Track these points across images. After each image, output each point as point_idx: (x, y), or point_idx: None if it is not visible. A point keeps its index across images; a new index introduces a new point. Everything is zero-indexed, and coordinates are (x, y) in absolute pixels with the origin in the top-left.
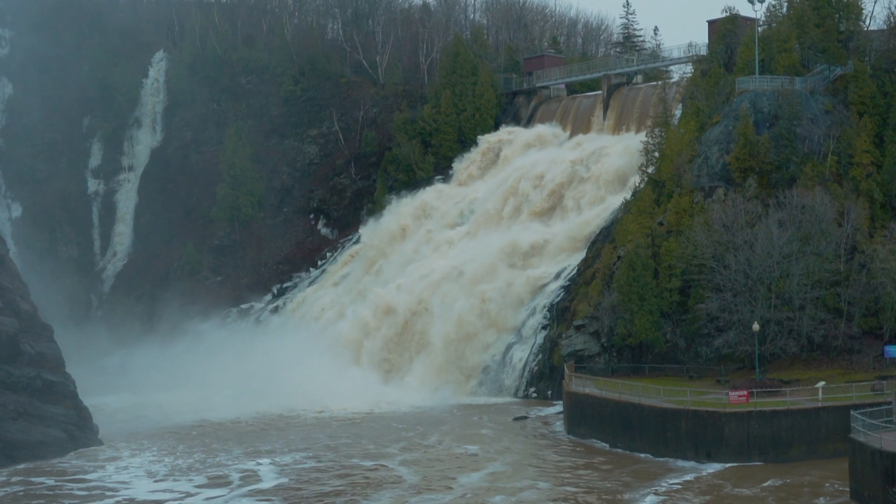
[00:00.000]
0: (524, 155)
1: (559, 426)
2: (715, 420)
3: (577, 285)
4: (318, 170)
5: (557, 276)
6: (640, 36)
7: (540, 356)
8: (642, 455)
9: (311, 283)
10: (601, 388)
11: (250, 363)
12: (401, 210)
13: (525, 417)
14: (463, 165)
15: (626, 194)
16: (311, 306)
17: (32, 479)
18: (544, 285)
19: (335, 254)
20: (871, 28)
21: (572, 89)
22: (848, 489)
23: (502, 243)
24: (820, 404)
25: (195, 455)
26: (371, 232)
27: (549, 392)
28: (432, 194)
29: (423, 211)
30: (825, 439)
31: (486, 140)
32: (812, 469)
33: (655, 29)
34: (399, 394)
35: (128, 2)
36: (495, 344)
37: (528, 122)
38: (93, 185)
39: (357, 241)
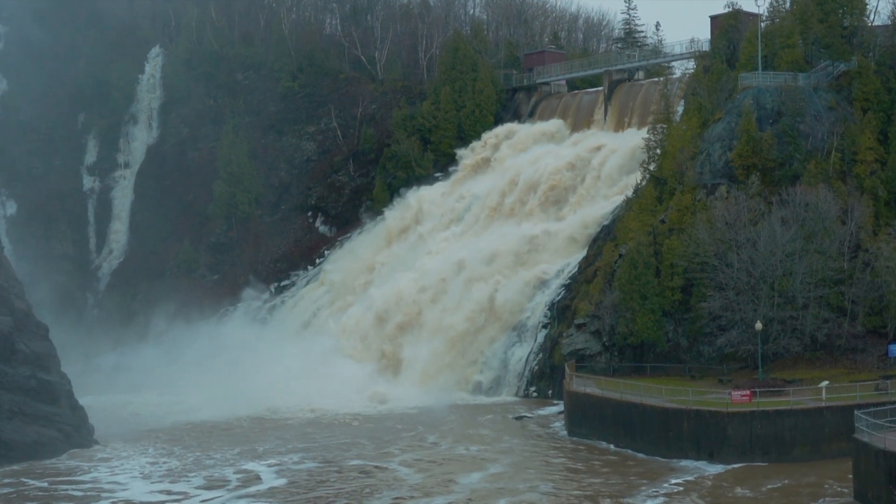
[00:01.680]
0: (524, 152)
1: (560, 426)
2: (717, 420)
3: (578, 283)
4: (316, 167)
5: (558, 274)
6: (642, 31)
7: (540, 355)
8: (644, 455)
9: (308, 282)
10: (602, 388)
11: (248, 362)
12: (399, 208)
13: (526, 417)
14: (462, 162)
15: (628, 192)
16: (308, 304)
17: (26, 481)
18: (545, 283)
19: (333, 251)
20: (876, 23)
21: (573, 85)
22: (851, 490)
23: (502, 241)
24: (823, 404)
25: (192, 456)
26: (369, 230)
27: (550, 391)
28: (431, 191)
29: (421, 208)
30: (829, 439)
31: (485, 137)
32: (815, 469)
33: (657, 24)
34: (397, 393)
35: None
36: (495, 343)
37: (529, 119)
38: (88, 182)
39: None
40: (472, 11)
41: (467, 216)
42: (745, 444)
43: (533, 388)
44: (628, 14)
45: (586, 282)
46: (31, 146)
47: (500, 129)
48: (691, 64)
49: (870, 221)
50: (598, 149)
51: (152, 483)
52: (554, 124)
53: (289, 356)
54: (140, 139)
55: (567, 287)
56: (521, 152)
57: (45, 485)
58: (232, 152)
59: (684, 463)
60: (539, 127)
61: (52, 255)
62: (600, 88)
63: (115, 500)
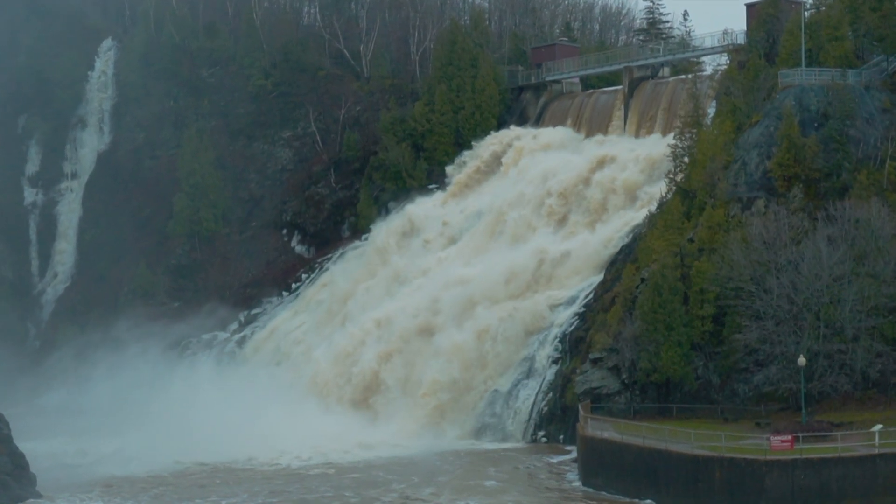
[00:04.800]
0: (531, 160)
1: (573, 476)
2: (754, 469)
3: (593, 312)
4: (291, 178)
5: (571, 301)
6: (668, 22)
7: (550, 395)
8: None
9: (283, 310)
10: (622, 432)
11: (212, 403)
12: (388, 225)
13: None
14: (460, 172)
15: (651, 206)
16: (282, 336)
17: None
18: (555, 312)
19: (312, 275)
20: None
21: (588, 84)
22: None
23: (506, 263)
24: (877, 451)
25: None
26: (355, 250)
27: (562, 436)
28: (425, 206)
29: (413, 225)
30: (883, 491)
31: (487, 143)
32: None
33: (685, 13)
34: (384, 437)
35: None
36: (498, 380)
37: (537, 122)
38: (30, 195)
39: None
40: None
41: (465, 234)
42: (786, 496)
43: (542, 433)
44: (651, 2)
45: (603, 310)
46: None
47: (500, 137)
48: (724, 59)
49: None
50: (617, 157)
51: None
52: (566, 129)
53: (260, 395)
54: (89, 145)
55: (581, 316)
56: (528, 161)
57: None
58: (195, 161)
59: None
60: (548, 131)
61: None
62: (619, 87)
63: None
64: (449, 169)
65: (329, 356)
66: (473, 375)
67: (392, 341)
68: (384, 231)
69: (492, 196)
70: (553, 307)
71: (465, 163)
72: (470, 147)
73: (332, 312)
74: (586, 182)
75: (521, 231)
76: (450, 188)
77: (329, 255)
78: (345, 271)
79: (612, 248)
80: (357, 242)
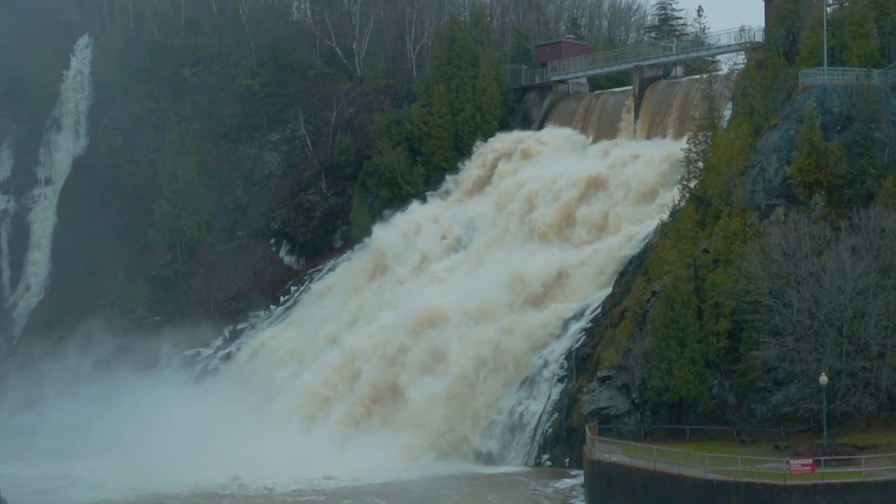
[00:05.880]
0: (536, 165)
1: (579, 502)
2: (773, 495)
3: (601, 327)
4: (280, 184)
5: (577, 315)
6: (681, 18)
7: (555, 415)
8: None
9: (271, 325)
10: (631, 456)
11: (194, 424)
12: (383, 234)
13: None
14: (460, 178)
15: (663, 214)
16: (270, 353)
17: None
18: (561, 327)
19: (301, 288)
20: None
21: (596, 84)
22: None
23: (508, 275)
24: None
25: None
26: (347, 262)
27: (567, 460)
28: (422, 214)
29: (409, 235)
30: None
31: (488, 147)
32: None
33: (699, 9)
34: (377, 462)
35: None
36: (499, 400)
37: (542, 125)
38: (1, 202)
39: (331, 271)
40: None
41: (466, 245)
42: None
43: (546, 456)
44: None
45: (612, 325)
46: None
47: (502, 140)
48: (741, 58)
49: None
50: (627, 162)
51: None
52: (572, 131)
53: (245, 416)
54: (64, 149)
55: (588, 332)
56: (532, 166)
57: None
58: (177, 166)
59: None
60: (554, 135)
61: None
62: (629, 88)
63: None
64: (450, 174)
65: (320, 374)
66: (473, 394)
67: (388, 358)
68: (381, 240)
69: (494, 204)
70: (558, 322)
71: (466, 168)
72: (470, 153)
73: (323, 327)
74: (594, 188)
75: (526, 241)
76: (450, 194)
77: (320, 266)
78: (338, 283)
79: (622, 259)
80: (349, 252)
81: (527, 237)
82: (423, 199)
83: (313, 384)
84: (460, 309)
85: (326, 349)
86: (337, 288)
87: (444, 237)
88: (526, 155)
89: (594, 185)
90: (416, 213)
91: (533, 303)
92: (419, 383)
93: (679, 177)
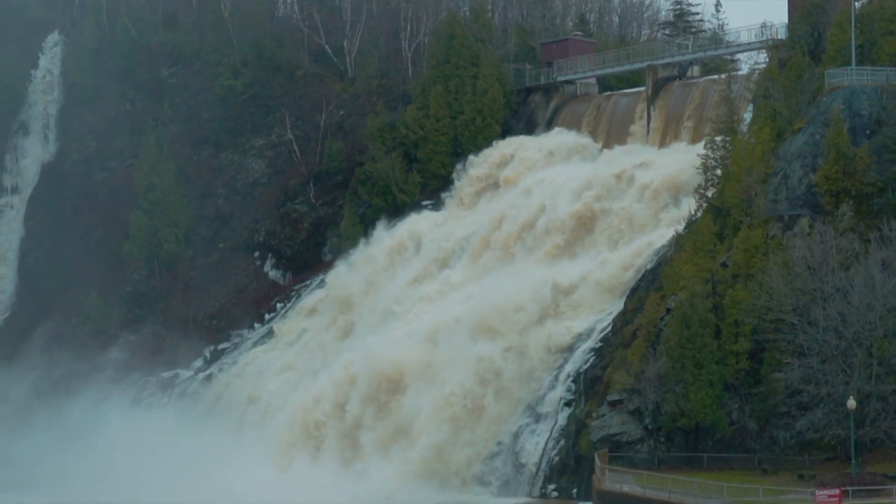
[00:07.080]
0: (541, 172)
1: None
2: None
3: (612, 347)
4: (265, 192)
5: (586, 334)
6: (698, 14)
7: (562, 442)
8: None
9: (255, 344)
10: (644, 486)
11: (172, 452)
12: (377, 247)
13: None
14: (459, 186)
15: (678, 226)
16: (255, 376)
17: None
18: (568, 347)
19: (288, 305)
20: None
21: (606, 85)
22: None
23: (512, 291)
24: None
25: None
26: (339, 276)
27: (575, 490)
28: (418, 225)
29: (405, 247)
30: None
31: (490, 152)
32: None
33: (717, 4)
34: (373, 491)
35: None
36: (502, 425)
37: (547, 129)
38: None
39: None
40: None
41: (465, 258)
42: None
43: (552, 486)
44: None
45: (623, 345)
46: None
47: (505, 145)
48: (762, 56)
49: None
50: (639, 169)
51: None
52: (580, 136)
53: (227, 442)
54: (32, 155)
55: (598, 352)
56: (537, 174)
57: None
58: (154, 173)
59: None
60: (560, 139)
61: None
62: (642, 89)
63: None
64: (449, 182)
65: (309, 397)
66: (475, 419)
67: (382, 380)
68: (372, 252)
69: (496, 215)
70: (566, 341)
71: (466, 175)
72: (473, 157)
73: (311, 347)
74: (604, 197)
75: (530, 254)
76: (449, 204)
77: (308, 282)
78: (328, 299)
79: (634, 274)
80: (340, 265)
81: (533, 250)
82: (419, 210)
83: (304, 408)
84: (452, 334)
85: (315, 371)
86: (327, 304)
87: (442, 248)
88: (531, 162)
89: (603, 194)
90: (411, 224)
91: (538, 321)
92: (415, 404)
93: (696, 185)
